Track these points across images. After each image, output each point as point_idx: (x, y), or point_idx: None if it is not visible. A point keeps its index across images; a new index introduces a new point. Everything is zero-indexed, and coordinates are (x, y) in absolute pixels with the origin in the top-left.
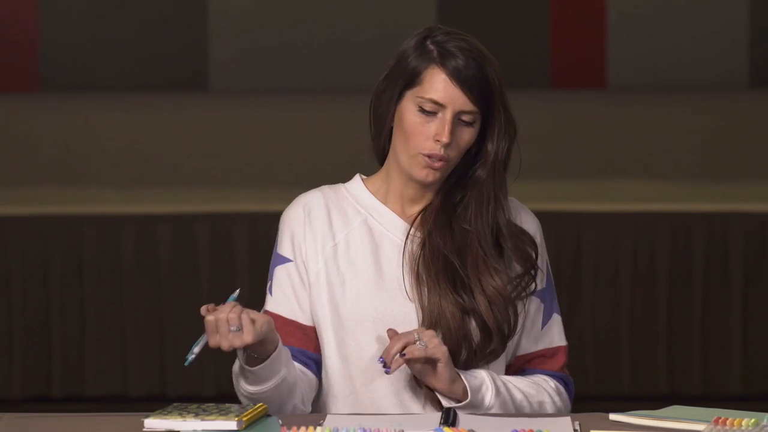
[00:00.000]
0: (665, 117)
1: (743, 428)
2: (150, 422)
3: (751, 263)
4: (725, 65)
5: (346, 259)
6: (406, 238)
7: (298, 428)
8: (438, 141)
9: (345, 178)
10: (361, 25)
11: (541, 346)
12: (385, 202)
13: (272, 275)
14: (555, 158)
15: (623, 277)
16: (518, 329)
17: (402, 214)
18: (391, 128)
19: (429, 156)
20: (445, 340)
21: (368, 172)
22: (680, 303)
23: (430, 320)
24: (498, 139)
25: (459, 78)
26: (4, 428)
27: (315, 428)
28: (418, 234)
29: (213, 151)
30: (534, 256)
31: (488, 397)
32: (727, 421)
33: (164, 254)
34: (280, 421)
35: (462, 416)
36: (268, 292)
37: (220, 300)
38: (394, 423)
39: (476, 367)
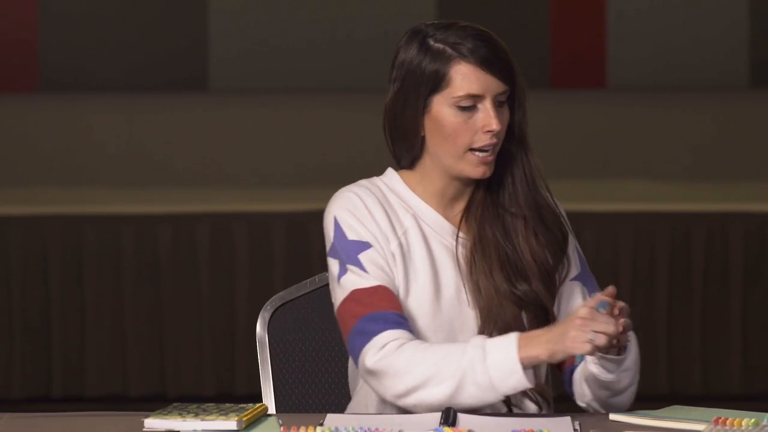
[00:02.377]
0: (665, 117)
1: (743, 428)
2: (150, 422)
3: (751, 263)
4: (725, 65)
5: (409, 262)
6: (456, 241)
7: (298, 428)
8: (489, 131)
9: (345, 177)
10: (361, 25)
11: None
12: (425, 201)
13: (356, 261)
14: (555, 158)
15: (623, 277)
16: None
17: (445, 215)
18: (422, 137)
19: (481, 150)
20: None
21: (368, 171)
22: (680, 303)
23: (488, 322)
24: (519, 108)
25: (485, 63)
26: (4, 428)
27: (315, 428)
28: (467, 235)
29: (213, 151)
30: (564, 233)
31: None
32: (727, 421)
33: (164, 254)
34: (280, 421)
35: (462, 416)
36: (342, 276)
37: (219, 300)
38: (394, 423)
39: None
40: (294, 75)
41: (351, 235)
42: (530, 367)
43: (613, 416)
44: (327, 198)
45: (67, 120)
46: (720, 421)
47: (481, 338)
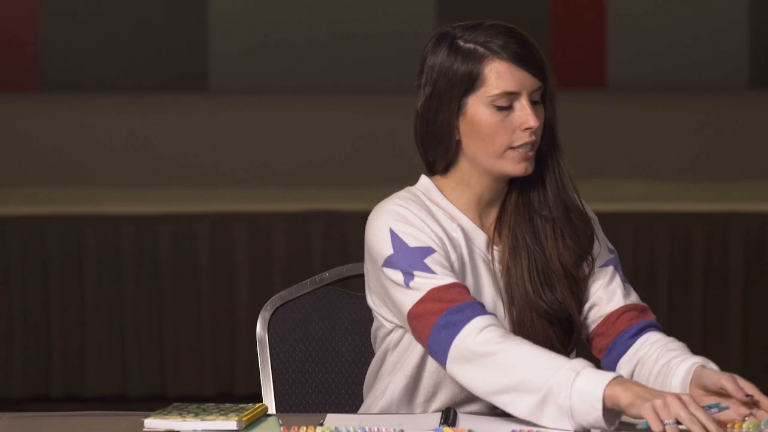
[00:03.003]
0: (665, 117)
1: (743, 428)
2: (150, 422)
3: (751, 263)
4: (725, 65)
5: (461, 275)
6: (491, 254)
7: (299, 428)
8: (527, 128)
9: (345, 177)
10: (361, 25)
11: (628, 301)
12: (462, 210)
13: (423, 265)
14: None
15: None
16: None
17: (480, 225)
18: (457, 141)
19: (521, 147)
20: None
21: (368, 170)
22: (680, 303)
23: (521, 333)
24: (550, 105)
25: (519, 59)
26: (4, 428)
27: (315, 428)
28: (501, 245)
29: (213, 151)
30: (590, 230)
31: None
32: (728, 422)
33: (164, 254)
34: (280, 421)
35: (462, 416)
36: (411, 281)
37: (219, 300)
38: (394, 423)
39: None
40: (294, 75)
41: (413, 243)
42: (613, 407)
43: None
44: (327, 198)
45: (67, 120)
46: (720, 421)
47: (582, 362)
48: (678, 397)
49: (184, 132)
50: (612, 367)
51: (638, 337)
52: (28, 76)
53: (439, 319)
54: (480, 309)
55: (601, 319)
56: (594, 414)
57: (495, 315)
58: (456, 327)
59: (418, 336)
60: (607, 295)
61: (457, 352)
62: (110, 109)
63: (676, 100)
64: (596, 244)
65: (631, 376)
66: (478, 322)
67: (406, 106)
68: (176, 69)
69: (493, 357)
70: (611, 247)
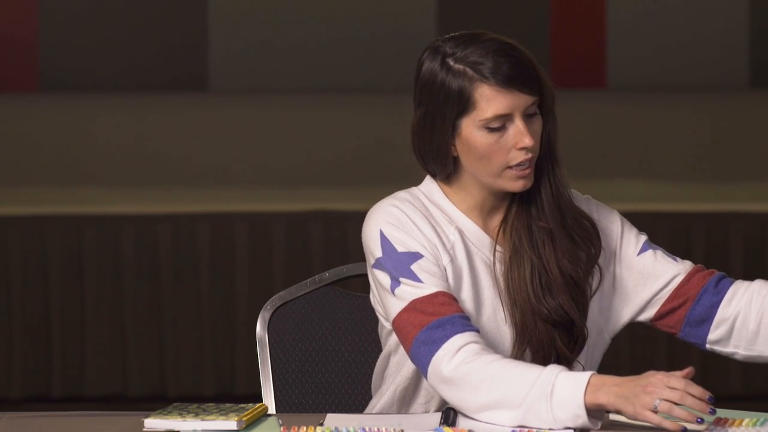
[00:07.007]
0: (665, 117)
1: (743, 428)
2: (150, 422)
3: (751, 263)
4: (725, 65)
5: (456, 278)
6: (494, 256)
7: (299, 428)
8: (523, 148)
9: (345, 177)
10: (361, 25)
11: (689, 266)
12: (465, 213)
13: (409, 272)
14: None
15: None
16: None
17: (484, 227)
18: (455, 157)
19: (518, 165)
20: (536, 355)
21: (369, 170)
22: None
23: (522, 339)
24: (547, 115)
25: (509, 81)
26: (4, 428)
27: (315, 428)
28: (503, 249)
29: (213, 151)
30: (596, 240)
31: None
32: (727, 421)
33: (164, 254)
34: (280, 421)
35: (462, 416)
36: (396, 288)
37: (219, 300)
38: (394, 423)
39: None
40: (294, 75)
41: (401, 248)
42: (595, 408)
43: (613, 416)
44: (327, 198)
45: (67, 120)
46: (720, 421)
47: (554, 371)
48: (651, 385)
49: (184, 132)
50: (706, 324)
51: (725, 287)
52: (28, 76)
53: (419, 334)
54: (460, 325)
55: (670, 292)
56: (580, 421)
57: (477, 330)
58: (435, 345)
59: (402, 345)
60: (666, 272)
61: (434, 372)
62: (110, 109)
63: (676, 100)
64: (617, 224)
65: (735, 319)
66: (456, 341)
67: (405, 106)
68: (176, 69)
69: (466, 378)
70: (636, 231)
